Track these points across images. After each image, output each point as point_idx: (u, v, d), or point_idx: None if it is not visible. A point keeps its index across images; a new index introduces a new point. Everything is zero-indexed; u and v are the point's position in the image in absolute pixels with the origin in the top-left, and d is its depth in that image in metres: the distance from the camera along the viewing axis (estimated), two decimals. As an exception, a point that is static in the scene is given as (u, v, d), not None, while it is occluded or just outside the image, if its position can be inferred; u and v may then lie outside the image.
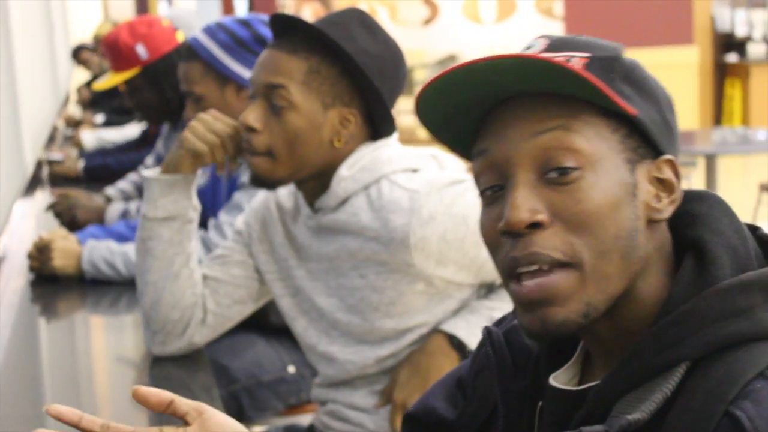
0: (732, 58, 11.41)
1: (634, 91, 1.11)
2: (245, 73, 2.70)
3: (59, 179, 4.47)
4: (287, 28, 1.97)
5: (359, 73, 1.92)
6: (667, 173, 1.12)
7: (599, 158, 1.07)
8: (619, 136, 1.09)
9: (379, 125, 2.00)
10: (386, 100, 1.96)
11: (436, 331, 2.02)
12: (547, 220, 1.05)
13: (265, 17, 2.72)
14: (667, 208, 1.11)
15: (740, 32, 11.48)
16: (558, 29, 10.29)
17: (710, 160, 6.46)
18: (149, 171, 2.08)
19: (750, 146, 6.60)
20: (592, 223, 1.05)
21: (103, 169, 4.45)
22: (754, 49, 11.37)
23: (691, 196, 1.14)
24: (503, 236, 1.07)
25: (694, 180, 7.52)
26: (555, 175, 1.06)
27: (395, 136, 2.05)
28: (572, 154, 1.06)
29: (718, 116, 11.44)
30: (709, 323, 1.02)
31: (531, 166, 1.07)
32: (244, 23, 2.74)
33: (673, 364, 1.02)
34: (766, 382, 0.98)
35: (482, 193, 1.12)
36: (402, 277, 1.97)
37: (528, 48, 1.13)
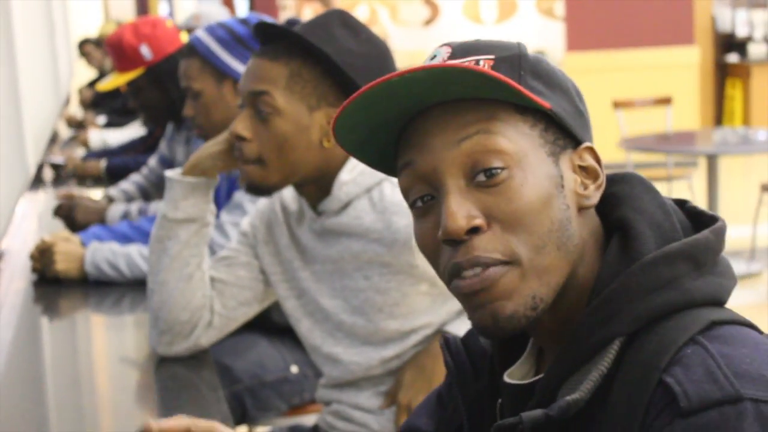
0: (733, 58, 11.42)
1: (543, 85, 1.13)
2: (242, 69, 2.70)
3: (67, 179, 4.48)
4: (270, 35, 1.99)
5: (341, 73, 1.93)
6: (589, 160, 1.14)
7: (523, 155, 1.08)
8: (538, 131, 1.10)
9: None
10: None
11: (440, 332, 2.02)
12: (483, 224, 1.06)
13: (266, 16, 2.73)
14: (594, 194, 1.13)
15: (741, 32, 11.49)
16: (559, 29, 10.29)
17: (711, 161, 6.46)
18: (171, 171, 2.10)
19: (751, 146, 6.60)
20: (526, 220, 1.06)
21: (124, 168, 4.46)
22: (755, 50, 11.38)
23: (614, 179, 1.17)
24: (444, 244, 1.08)
25: (695, 180, 7.53)
26: (483, 178, 1.07)
27: None
28: (497, 155, 1.07)
29: (719, 116, 11.45)
30: (637, 297, 1.05)
31: (459, 173, 1.08)
32: (243, 21, 2.76)
33: (606, 342, 1.04)
34: (696, 346, 1.00)
35: (413, 205, 1.13)
36: (405, 278, 1.97)
37: (433, 57, 1.14)
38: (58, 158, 4.75)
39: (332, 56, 1.92)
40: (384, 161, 1.19)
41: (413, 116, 1.12)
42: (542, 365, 1.18)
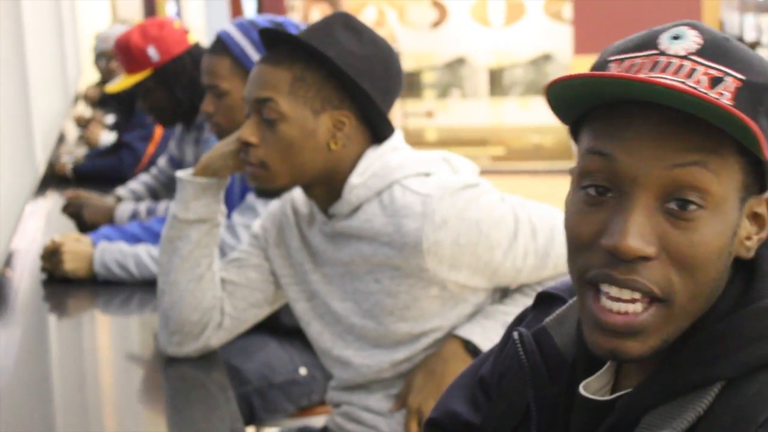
0: (741, 62, 11.40)
1: None
2: None
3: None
4: (275, 41, 1.99)
5: (344, 75, 1.93)
6: (764, 209, 1.06)
7: (723, 201, 1.00)
8: (743, 175, 1.02)
9: (376, 125, 2.00)
10: (378, 99, 1.96)
11: (451, 336, 2.02)
12: (654, 254, 1.00)
13: (296, 21, 2.71)
14: (755, 246, 1.06)
15: (749, 37, 11.47)
16: (567, 33, 10.28)
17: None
18: (182, 172, 2.10)
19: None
20: (698, 267, 1.00)
21: (93, 172, 4.55)
22: (763, 54, 11.36)
23: None
24: (603, 250, 1.01)
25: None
26: (675, 207, 1.00)
27: (401, 139, 2.06)
28: (701, 194, 0.99)
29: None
30: (747, 343, 1.00)
31: (656, 193, 1.00)
32: (276, 23, 2.73)
33: (707, 382, 1.00)
34: None
35: (583, 188, 1.04)
36: (416, 281, 1.97)
37: (676, 38, 1.03)
38: (67, 158, 4.78)
39: (335, 59, 1.92)
40: (570, 114, 1.09)
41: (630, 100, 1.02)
42: (620, 380, 1.12)
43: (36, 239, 3.26)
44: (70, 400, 2.04)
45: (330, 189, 2.01)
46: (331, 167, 1.99)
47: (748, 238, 1.05)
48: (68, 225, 3.48)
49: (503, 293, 2.09)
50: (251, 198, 2.67)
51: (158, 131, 4.66)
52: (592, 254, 1.03)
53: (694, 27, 1.04)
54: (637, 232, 0.99)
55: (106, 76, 5.09)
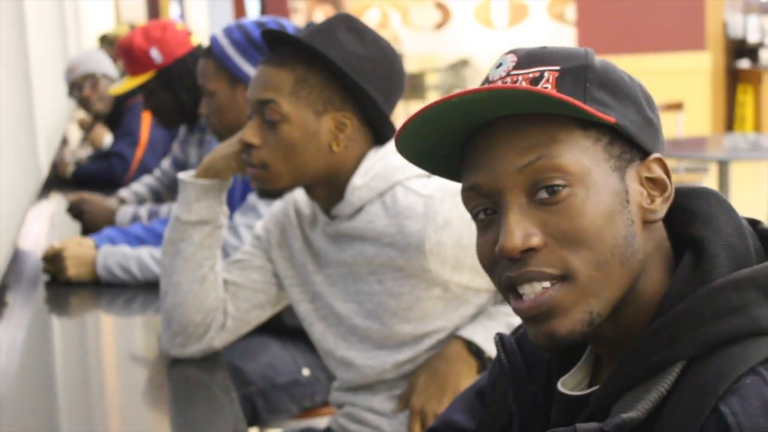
0: (744, 64, 11.39)
1: (609, 95, 1.11)
2: None
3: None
4: (277, 42, 1.99)
5: (347, 77, 1.93)
6: (657, 171, 1.12)
7: (586, 173, 1.07)
8: (602, 146, 1.09)
9: (378, 126, 2.00)
10: (380, 101, 1.97)
11: (454, 337, 2.02)
12: (540, 244, 1.06)
13: (284, 20, 2.73)
14: (661, 207, 1.12)
15: (753, 38, 11.46)
16: (570, 34, 10.28)
17: (722, 166, 6.45)
18: (184, 174, 2.10)
19: (762, 152, 6.58)
20: (587, 238, 1.05)
21: (89, 176, 4.59)
22: (767, 56, 11.35)
23: (690, 193, 1.15)
24: (500, 258, 1.08)
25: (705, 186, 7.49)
26: (545, 195, 1.07)
27: None
28: (559, 173, 1.06)
29: (730, 122, 11.43)
30: (703, 322, 1.03)
31: (521, 192, 1.08)
32: (260, 24, 2.75)
33: (668, 364, 1.03)
34: (756, 376, 0.98)
35: (475, 218, 1.13)
36: (419, 282, 1.97)
37: (498, 66, 1.13)
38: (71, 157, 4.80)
39: (336, 61, 1.93)
40: (448, 169, 1.19)
41: (479, 127, 1.11)
42: (598, 374, 1.17)
43: (39, 241, 3.27)
44: (74, 402, 2.04)
45: (332, 190, 2.02)
46: (333, 169, 1.99)
47: (651, 201, 1.11)
48: (72, 227, 3.48)
49: (506, 294, 2.08)
50: (253, 198, 2.68)
51: (144, 135, 4.70)
52: (497, 268, 1.10)
53: (512, 52, 1.14)
54: (516, 231, 1.06)
55: (84, 105, 5.10)
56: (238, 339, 2.29)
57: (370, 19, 10.94)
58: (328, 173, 1.99)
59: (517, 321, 2.00)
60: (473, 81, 11.18)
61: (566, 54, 1.12)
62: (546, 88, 1.08)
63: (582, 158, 1.07)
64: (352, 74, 1.93)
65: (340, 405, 2.16)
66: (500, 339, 1.24)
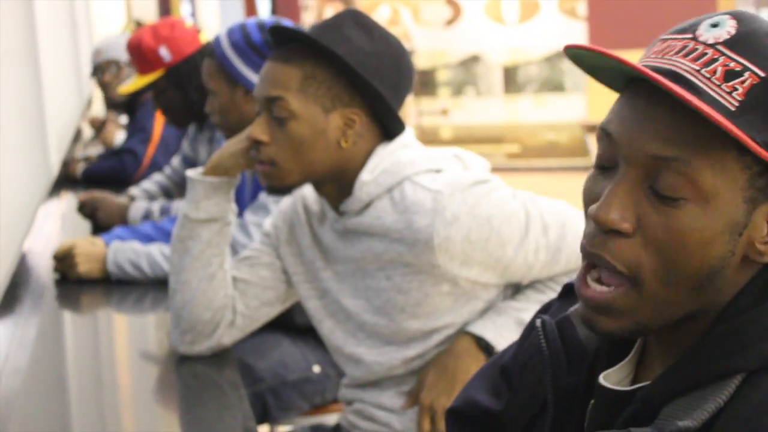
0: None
1: None
2: (253, 78, 2.72)
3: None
4: (285, 38, 1.99)
5: (354, 73, 1.93)
6: None
7: (714, 195, 0.99)
8: (748, 175, 1.00)
9: (386, 122, 2.00)
10: (388, 96, 1.96)
11: (463, 332, 2.02)
12: (630, 231, 1.01)
13: (287, 21, 2.73)
14: None
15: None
16: (581, 30, 10.26)
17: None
18: (193, 171, 2.11)
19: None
20: (673, 254, 1.00)
21: (99, 175, 4.58)
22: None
23: None
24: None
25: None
26: (661, 191, 1.00)
27: (412, 135, 2.06)
28: (687, 185, 0.99)
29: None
30: (767, 336, 1.00)
31: (641, 170, 1.01)
32: (261, 26, 2.76)
33: (728, 374, 0.99)
34: None
35: (596, 166, 1.07)
36: (427, 278, 1.97)
37: (713, 26, 1.02)
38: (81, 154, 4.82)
39: (344, 57, 1.92)
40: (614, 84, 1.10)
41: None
42: (642, 371, 1.12)
43: (50, 240, 3.27)
44: (84, 399, 2.05)
45: (341, 186, 2.01)
46: (341, 165, 1.99)
47: (765, 242, 1.03)
48: (83, 225, 3.49)
49: (515, 289, 2.08)
50: (263, 197, 2.68)
51: (156, 132, 4.69)
52: (587, 221, 1.06)
53: (735, 17, 1.02)
54: (616, 205, 1.01)
55: (103, 89, 5.12)
56: (248, 336, 2.29)
57: (381, 15, 10.94)
58: (336, 169, 1.99)
59: (526, 317, 1.99)
60: (484, 77, 11.17)
61: None
62: (735, 90, 0.98)
63: (719, 179, 0.99)
64: (360, 70, 1.93)
65: (350, 402, 2.15)
66: (542, 324, 1.19)
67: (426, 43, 11.08)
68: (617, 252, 1.02)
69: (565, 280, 1.34)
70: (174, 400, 2.04)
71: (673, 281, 1.01)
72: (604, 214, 1.01)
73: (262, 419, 2.76)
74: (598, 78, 1.12)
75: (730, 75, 0.99)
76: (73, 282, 2.77)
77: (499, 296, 2.05)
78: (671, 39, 1.05)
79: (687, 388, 1.01)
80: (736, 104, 0.98)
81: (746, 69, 0.99)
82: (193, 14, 12.32)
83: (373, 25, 1.98)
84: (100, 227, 3.40)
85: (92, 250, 2.79)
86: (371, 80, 1.93)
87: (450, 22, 11.14)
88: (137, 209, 3.46)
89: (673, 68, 1.01)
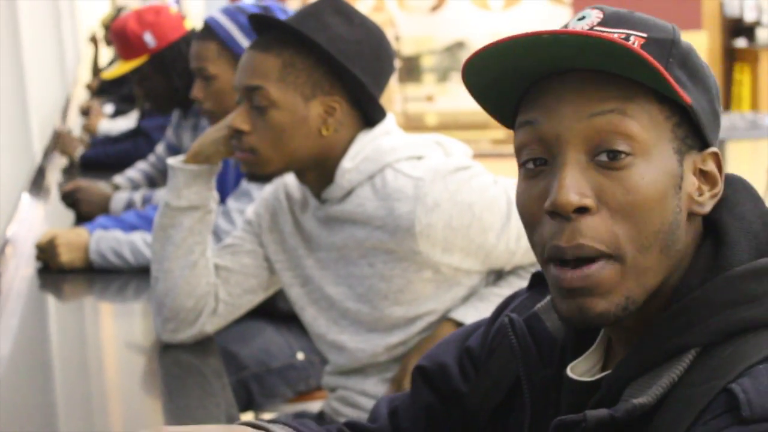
0: (741, 43, 11.38)
1: (687, 77, 1.07)
2: None
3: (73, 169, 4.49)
4: (264, 26, 1.98)
5: (334, 61, 1.92)
6: (711, 166, 1.09)
7: (651, 146, 1.03)
8: (671, 125, 1.05)
9: (367, 109, 2.00)
10: (369, 84, 1.96)
11: (445, 319, 2.02)
12: (594, 206, 1.02)
13: (283, 5, 2.72)
14: (708, 202, 1.08)
15: (749, 17, 11.44)
16: (566, 16, 10.26)
17: (720, 146, 6.41)
18: (173, 159, 2.10)
19: (759, 131, 6.58)
20: (638, 214, 1.02)
21: (96, 161, 4.49)
22: (763, 34, 11.33)
23: None
24: (548, 215, 1.04)
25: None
26: (605, 159, 1.03)
27: (393, 122, 2.05)
28: (626, 139, 1.02)
29: (727, 101, 11.42)
30: (719, 310, 1.01)
31: (582, 147, 1.03)
32: (264, 9, 2.74)
33: (682, 350, 1.01)
34: None
35: (523, 165, 1.08)
36: (409, 265, 1.97)
37: (581, 18, 1.09)
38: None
39: (324, 45, 1.92)
40: (501, 110, 1.14)
41: (546, 75, 1.07)
42: (609, 361, 1.14)
43: (33, 228, 3.26)
44: (67, 388, 2.04)
45: (322, 174, 2.01)
46: (323, 153, 1.98)
47: (700, 194, 1.08)
48: (65, 214, 3.48)
49: (497, 276, 2.08)
50: (246, 183, 2.67)
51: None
52: (542, 226, 1.06)
53: (597, 8, 1.09)
54: (572, 186, 1.02)
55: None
56: (231, 324, 2.29)
57: (366, 2, 10.91)
58: (317, 157, 1.99)
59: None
60: (470, 63, 11.17)
61: (654, 24, 1.08)
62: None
63: (651, 129, 1.03)
64: (340, 58, 1.92)
65: (333, 389, 2.16)
66: (510, 321, 1.20)
67: (411, 30, 11.06)
68: (591, 232, 1.02)
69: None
70: (157, 388, 2.04)
71: (646, 244, 1.03)
72: (563, 198, 1.01)
73: (246, 406, 2.76)
74: (492, 108, 1.14)
75: None
76: (56, 271, 2.76)
77: (481, 283, 2.05)
78: None
79: (646, 367, 1.03)
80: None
81: (630, 35, 1.06)
82: (178, 0, 12.27)
83: (352, 12, 1.98)
84: (83, 217, 3.39)
85: (74, 240, 2.77)
86: (351, 68, 1.93)
87: (435, 8, 11.13)
88: (119, 200, 3.44)
89: (568, 33, 1.02)
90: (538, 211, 1.06)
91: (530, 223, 1.08)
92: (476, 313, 2.00)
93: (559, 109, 1.04)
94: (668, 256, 1.05)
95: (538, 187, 1.06)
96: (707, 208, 1.08)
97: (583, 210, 1.02)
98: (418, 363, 1.36)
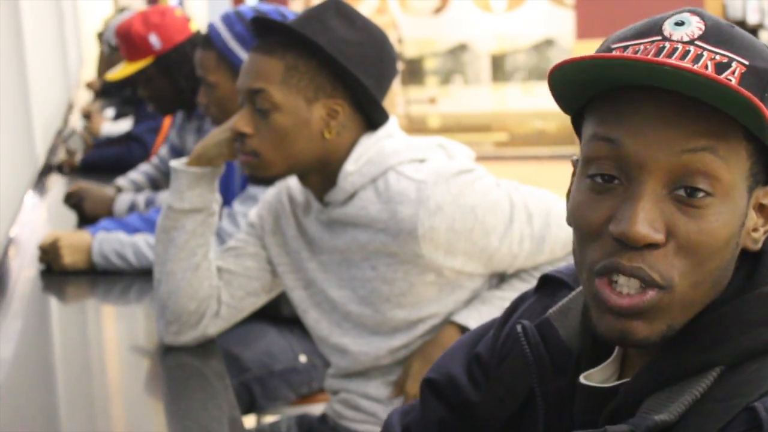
0: (744, 45, 11.37)
1: None
2: None
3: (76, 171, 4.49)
4: (267, 29, 1.99)
5: (337, 63, 1.93)
6: None
7: (732, 188, 1.00)
8: (750, 162, 1.01)
9: (370, 112, 2.00)
10: (372, 86, 1.96)
11: (448, 322, 2.02)
12: (663, 241, 0.99)
13: (284, 9, 2.72)
14: (761, 238, 1.05)
15: (752, 20, 11.43)
16: (569, 17, 10.26)
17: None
18: (176, 162, 2.10)
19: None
20: (703, 254, 0.99)
21: (100, 161, 4.50)
22: (766, 37, 11.33)
23: None
24: (613, 238, 1.01)
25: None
26: (684, 194, 0.99)
27: (396, 125, 2.06)
28: (710, 180, 0.98)
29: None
30: (748, 329, 1.00)
31: (663, 179, 0.99)
32: (262, 13, 2.74)
33: (706, 368, 1.00)
34: None
35: (590, 176, 1.03)
36: (412, 267, 1.97)
37: (679, 24, 1.02)
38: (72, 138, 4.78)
39: (327, 47, 1.92)
40: (572, 103, 1.08)
41: (636, 86, 1.01)
42: (625, 371, 1.12)
43: (36, 230, 3.27)
44: (70, 390, 2.04)
45: (325, 177, 2.01)
46: (325, 156, 1.99)
47: (755, 229, 1.04)
48: (69, 216, 3.48)
49: (500, 278, 2.08)
50: (253, 187, 2.67)
51: (166, 123, 4.65)
52: (601, 243, 1.02)
53: (696, 13, 1.03)
54: (646, 219, 0.98)
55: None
56: (234, 326, 2.29)
57: (369, 4, 10.92)
58: (320, 160, 1.99)
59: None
60: (472, 66, 11.16)
61: (754, 47, 1.02)
62: (730, 81, 0.98)
63: (735, 171, 0.99)
64: (343, 61, 1.93)
65: (336, 392, 2.16)
66: (523, 330, 1.18)
67: (413, 32, 11.06)
68: (655, 263, 0.99)
69: (550, 269, 1.33)
70: (159, 390, 2.04)
71: (701, 281, 1.01)
72: (635, 230, 0.98)
73: (248, 409, 2.76)
74: (559, 97, 1.09)
75: (720, 67, 1.00)
76: (59, 273, 2.76)
77: (483, 286, 2.05)
78: (636, 44, 1.04)
79: (667, 381, 1.01)
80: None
81: (732, 60, 1.00)
82: (181, 2, 12.28)
83: (355, 15, 1.98)
84: (86, 219, 3.39)
85: (77, 242, 2.78)
86: (354, 70, 1.93)
87: (437, 10, 11.12)
88: (122, 202, 3.45)
89: (679, 68, 0.96)
90: (601, 228, 1.02)
91: (588, 236, 1.04)
92: (479, 316, 2.00)
93: (648, 136, 0.99)
94: (716, 290, 1.03)
95: (605, 205, 1.02)
96: (759, 245, 1.05)
97: (651, 245, 0.99)
98: (426, 376, 1.34)
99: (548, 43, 10.83)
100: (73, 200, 3.51)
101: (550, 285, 1.26)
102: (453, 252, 1.95)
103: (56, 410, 1.94)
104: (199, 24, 3.60)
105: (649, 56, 1.01)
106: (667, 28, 1.03)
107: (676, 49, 1.01)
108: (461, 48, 11.14)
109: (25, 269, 2.83)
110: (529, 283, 2.03)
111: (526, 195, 1.99)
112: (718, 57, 1.00)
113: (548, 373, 1.16)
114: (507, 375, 1.22)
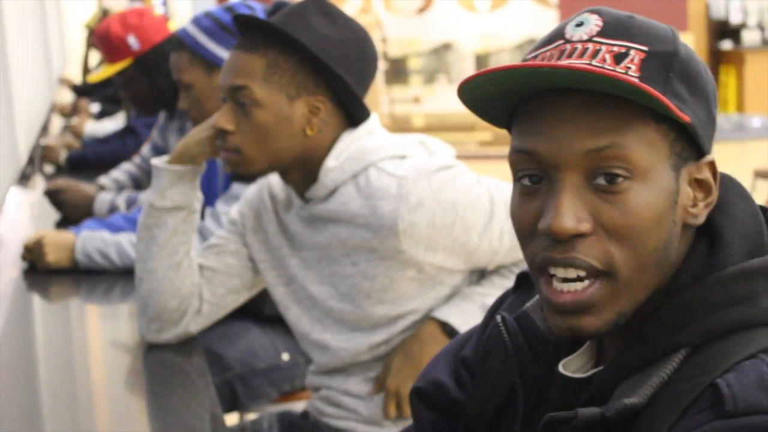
0: (727, 45, 11.42)
1: (687, 90, 1.05)
2: None
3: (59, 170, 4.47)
4: (248, 27, 1.99)
5: (318, 61, 1.93)
6: (707, 174, 1.08)
7: (649, 168, 1.03)
8: (668, 142, 1.05)
9: (351, 109, 2.01)
10: (353, 84, 1.97)
11: (428, 318, 2.03)
12: (590, 230, 1.03)
13: (252, 2, 2.73)
14: (702, 212, 1.08)
15: (735, 19, 11.48)
16: (553, 17, 10.27)
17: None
18: (158, 160, 2.10)
19: (745, 133, 6.62)
20: (635, 236, 1.02)
21: (84, 160, 4.46)
22: (749, 36, 11.37)
23: None
24: (543, 235, 1.04)
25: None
26: (603, 182, 1.03)
27: (377, 122, 2.06)
28: (624, 165, 1.02)
29: (712, 103, 11.43)
30: (710, 311, 1.02)
31: (580, 172, 1.03)
32: (228, 8, 2.76)
33: (673, 350, 1.02)
34: (756, 360, 0.97)
35: (518, 180, 1.08)
36: (392, 263, 1.98)
37: (580, 24, 1.07)
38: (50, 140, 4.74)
39: (308, 45, 1.93)
40: (495, 119, 1.13)
41: (545, 90, 1.05)
42: (601, 357, 1.14)
43: (18, 228, 3.26)
44: (53, 388, 2.04)
45: (306, 173, 2.02)
46: (307, 152, 1.99)
47: (694, 204, 1.08)
48: (51, 214, 3.47)
49: (480, 275, 2.09)
50: (236, 186, 2.67)
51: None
52: (535, 241, 1.06)
53: (595, 12, 1.08)
54: (568, 212, 1.02)
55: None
56: (216, 324, 2.29)
57: (353, 3, 10.91)
58: (302, 157, 1.99)
59: (491, 302, 2.00)
60: (456, 65, 11.17)
61: (655, 33, 1.06)
62: (630, 69, 1.03)
63: (648, 152, 1.03)
64: (324, 58, 1.93)
65: (317, 388, 2.16)
66: (503, 320, 1.20)
67: (397, 31, 11.07)
68: (587, 251, 1.03)
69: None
70: (142, 388, 2.04)
71: (642, 263, 1.03)
72: (559, 224, 1.02)
73: (231, 407, 2.76)
74: (484, 114, 1.13)
75: (618, 57, 1.04)
76: (42, 271, 2.76)
77: (464, 282, 2.06)
78: (542, 52, 1.08)
79: (637, 367, 1.04)
80: (637, 79, 1.02)
81: (630, 48, 1.04)
82: (165, 2, 12.25)
83: (336, 13, 1.99)
84: (67, 218, 3.38)
85: (60, 240, 2.77)
86: (336, 68, 1.94)
87: (422, 10, 11.13)
88: (102, 202, 3.43)
89: (567, 68, 1.01)
90: (532, 227, 1.06)
91: (524, 236, 1.08)
92: (459, 312, 2.01)
93: (557, 141, 1.04)
94: (661, 270, 1.06)
95: (533, 205, 1.06)
96: (701, 218, 1.08)
97: (579, 235, 1.03)
98: (413, 386, 1.37)
99: (532, 42, 10.78)
100: (53, 196, 3.48)
101: (527, 282, 1.28)
102: (433, 248, 1.96)
103: (39, 408, 1.94)
104: (180, 23, 3.60)
105: (552, 61, 1.06)
106: (569, 30, 1.08)
107: (576, 49, 1.06)
108: (445, 47, 11.16)
109: (7, 269, 2.82)
110: (508, 280, 2.04)
111: (506, 191, 2.00)
112: (615, 48, 1.04)
113: (528, 361, 1.19)
114: (491, 371, 1.25)
